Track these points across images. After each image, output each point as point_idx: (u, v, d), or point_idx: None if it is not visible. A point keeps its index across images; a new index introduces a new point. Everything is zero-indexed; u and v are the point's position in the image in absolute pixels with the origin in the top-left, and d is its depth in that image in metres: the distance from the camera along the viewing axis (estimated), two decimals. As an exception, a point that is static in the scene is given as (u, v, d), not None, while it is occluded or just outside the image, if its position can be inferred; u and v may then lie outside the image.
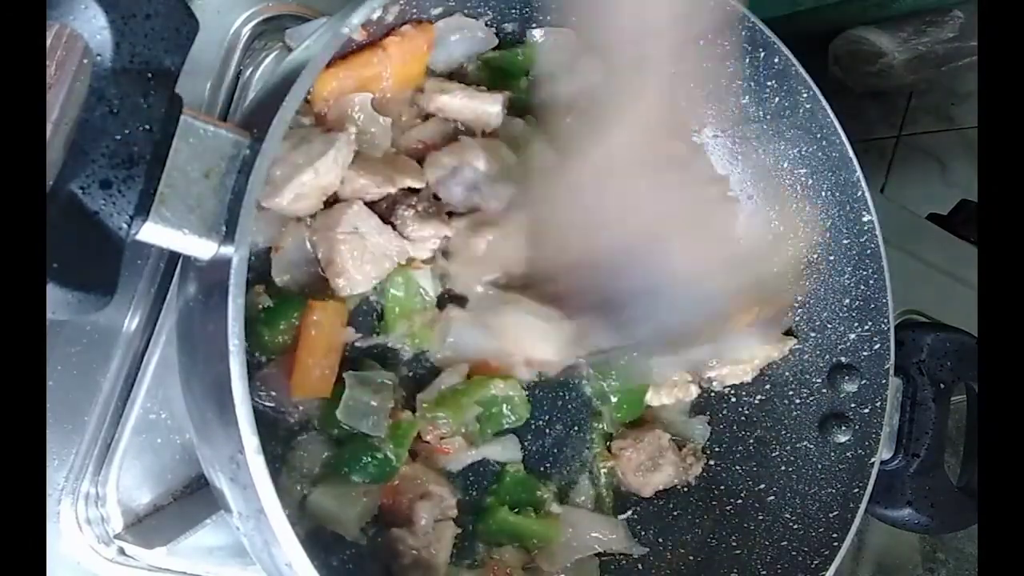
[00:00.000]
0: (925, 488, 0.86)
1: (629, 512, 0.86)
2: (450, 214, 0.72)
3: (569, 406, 0.83)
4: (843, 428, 0.83)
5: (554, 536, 0.78)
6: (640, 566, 0.83)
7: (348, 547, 0.67)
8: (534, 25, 0.78)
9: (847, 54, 2.08)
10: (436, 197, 0.72)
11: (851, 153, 0.80)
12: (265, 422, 0.66)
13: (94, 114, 0.47)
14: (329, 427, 0.67)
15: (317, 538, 0.66)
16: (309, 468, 0.67)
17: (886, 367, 0.81)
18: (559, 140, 0.69)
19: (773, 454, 0.87)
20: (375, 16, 0.64)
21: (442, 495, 0.70)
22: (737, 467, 0.88)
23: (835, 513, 0.80)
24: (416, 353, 0.74)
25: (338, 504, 0.66)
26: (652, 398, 0.85)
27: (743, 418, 0.89)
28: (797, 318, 0.88)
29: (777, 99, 0.81)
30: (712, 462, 0.88)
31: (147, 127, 0.48)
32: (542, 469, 0.82)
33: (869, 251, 0.81)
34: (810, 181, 0.84)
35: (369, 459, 0.67)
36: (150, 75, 0.48)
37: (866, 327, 0.83)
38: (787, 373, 0.88)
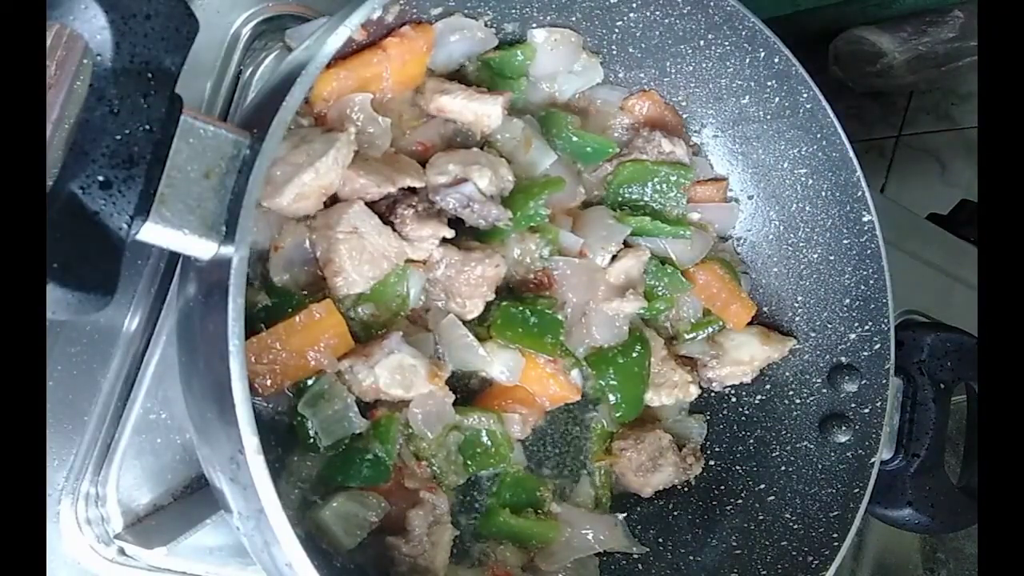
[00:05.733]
0: (925, 488, 0.86)
1: (629, 512, 0.86)
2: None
3: (569, 406, 0.83)
4: (843, 428, 0.83)
5: (554, 536, 0.78)
6: (640, 566, 0.83)
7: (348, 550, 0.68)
8: (534, 25, 0.78)
9: (847, 54, 2.08)
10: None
11: (851, 153, 0.80)
12: (264, 424, 0.66)
13: (94, 114, 0.47)
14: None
15: (317, 539, 0.66)
16: (308, 473, 0.67)
17: (886, 367, 0.81)
18: None
19: (773, 454, 0.87)
20: (375, 16, 0.64)
21: (434, 502, 0.70)
22: (737, 467, 0.88)
23: (835, 513, 0.80)
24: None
25: (343, 527, 0.66)
26: (652, 398, 0.85)
27: (743, 418, 0.89)
28: (797, 318, 0.88)
29: (777, 99, 0.81)
30: (712, 462, 0.88)
31: (147, 127, 0.48)
32: (542, 469, 0.82)
33: (869, 251, 0.81)
34: (810, 181, 0.84)
35: (361, 462, 0.67)
36: (150, 75, 0.48)
37: (866, 327, 0.83)
38: (787, 373, 0.88)
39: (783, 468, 0.86)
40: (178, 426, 0.70)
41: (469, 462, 0.75)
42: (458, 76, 0.76)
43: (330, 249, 0.65)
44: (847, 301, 0.84)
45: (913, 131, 2.26)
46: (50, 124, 0.58)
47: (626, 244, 0.82)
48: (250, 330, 0.62)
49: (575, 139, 0.81)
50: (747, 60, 0.80)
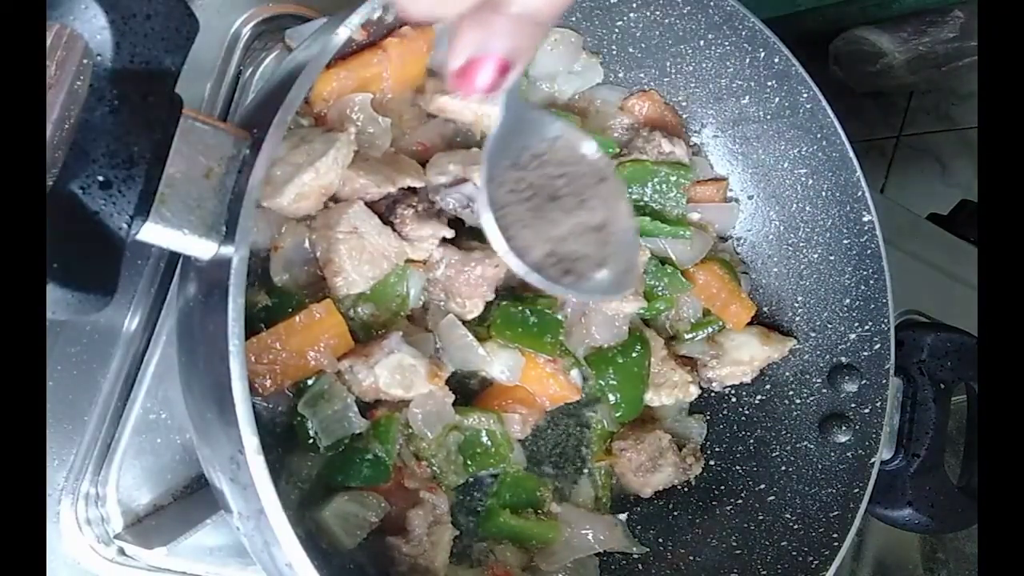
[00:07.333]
0: (925, 488, 0.86)
1: (629, 512, 0.86)
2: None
3: (569, 406, 0.83)
4: (843, 428, 0.83)
5: (554, 536, 0.78)
6: (640, 566, 0.83)
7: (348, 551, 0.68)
8: (534, 25, 0.77)
9: (847, 54, 2.08)
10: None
11: (851, 153, 0.80)
12: (264, 424, 0.66)
13: (94, 114, 0.47)
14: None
15: (317, 539, 0.66)
16: (308, 473, 0.67)
17: (886, 367, 0.81)
18: None
19: (773, 454, 0.87)
20: (375, 16, 0.64)
21: (435, 502, 0.70)
22: (737, 467, 0.88)
23: (835, 513, 0.80)
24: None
25: (343, 527, 0.66)
26: (652, 398, 0.85)
27: (743, 418, 0.89)
28: (797, 318, 0.88)
29: (777, 99, 0.81)
30: (712, 462, 0.88)
31: (147, 127, 0.48)
32: (542, 469, 0.82)
33: (869, 251, 0.81)
34: (810, 181, 0.84)
35: (360, 462, 0.67)
36: (150, 75, 0.48)
37: (866, 327, 0.83)
38: (787, 373, 0.88)
39: (783, 468, 0.86)
40: (178, 426, 0.70)
41: (469, 462, 0.75)
42: (458, 76, 0.76)
43: (330, 249, 0.65)
44: (847, 301, 0.84)
45: (913, 131, 2.26)
46: (50, 124, 0.58)
47: (626, 244, 0.82)
48: (250, 330, 0.62)
49: (575, 139, 0.81)
50: (747, 60, 0.80)
